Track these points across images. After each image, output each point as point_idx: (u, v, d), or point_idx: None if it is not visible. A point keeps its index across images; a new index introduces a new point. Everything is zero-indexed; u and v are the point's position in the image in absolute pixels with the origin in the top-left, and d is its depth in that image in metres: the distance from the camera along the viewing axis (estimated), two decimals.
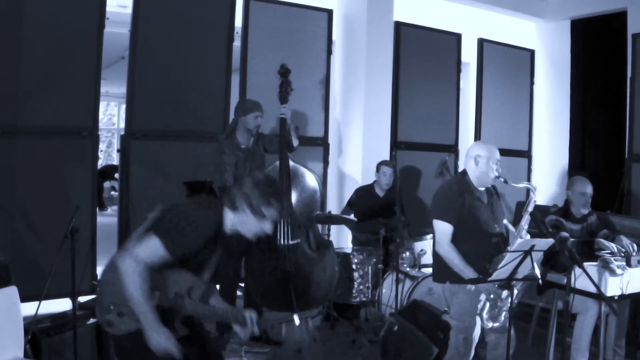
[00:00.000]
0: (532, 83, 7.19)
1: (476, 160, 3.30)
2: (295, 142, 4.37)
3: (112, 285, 2.37)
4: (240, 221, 2.47)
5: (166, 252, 2.32)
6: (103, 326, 2.43)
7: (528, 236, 3.19)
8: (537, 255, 2.98)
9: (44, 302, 3.55)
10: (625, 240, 3.85)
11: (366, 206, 5.14)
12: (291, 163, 4.34)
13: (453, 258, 3.18)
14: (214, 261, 2.56)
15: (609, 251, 3.76)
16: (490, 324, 3.10)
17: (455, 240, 3.22)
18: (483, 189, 3.35)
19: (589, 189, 4.12)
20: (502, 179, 3.26)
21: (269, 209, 2.45)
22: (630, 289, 3.45)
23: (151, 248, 2.31)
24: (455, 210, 3.22)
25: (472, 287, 3.10)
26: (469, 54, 6.76)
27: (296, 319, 2.52)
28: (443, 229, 3.23)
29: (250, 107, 4.26)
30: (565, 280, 3.03)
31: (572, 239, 3.91)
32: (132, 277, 2.28)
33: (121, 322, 2.38)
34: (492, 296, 3.07)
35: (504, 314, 3.11)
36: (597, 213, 4.29)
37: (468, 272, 3.12)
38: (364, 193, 5.26)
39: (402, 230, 4.79)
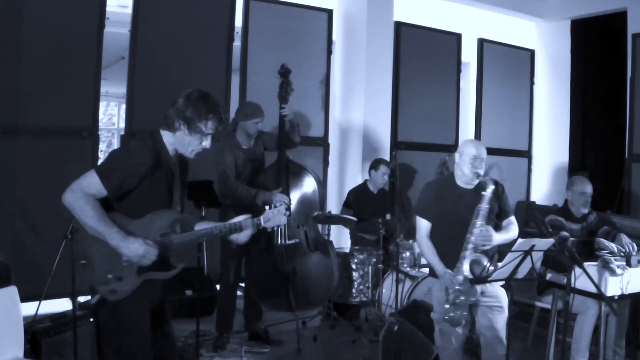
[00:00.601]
0: (532, 83, 7.19)
1: (456, 157, 3.35)
2: (297, 139, 4.39)
3: (98, 255, 2.37)
4: (179, 140, 2.46)
5: (102, 186, 2.32)
6: (108, 298, 2.40)
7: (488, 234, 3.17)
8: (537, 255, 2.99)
9: (43, 302, 3.55)
10: (625, 239, 3.85)
11: (362, 205, 5.17)
12: (290, 163, 4.34)
13: (426, 252, 3.33)
14: (176, 191, 2.55)
15: (608, 251, 3.76)
16: (446, 317, 3.17)
17: (433, 236, 3.33)
18: (470, 186, 3.32)
19: (588, 189, 4.12)
20: (477, 177, 3.23)
21: (206, 123, 2.43)
22: (630, 289, 3.45)
23: (88, 180, 2.32)
24: (431, 206, 3.30)
25: (441, 279, 3.21)
26: (469, 54, 6.77)
27: (267, 209, 2.58)
28: (420, 224, 3.36)
29: (251, 113, 4.22)
30: (565, 280, 3.03)
31: (572, 239, 3.91)
32: (78, 206, 2.30)
33: (124, 284, 2.38)
34: (449, 289, 3.13)
35: (460, 309, 3.16)
36: (597, 212, 4.30)
37: (438, 267, 3.24)
38: (359, 192, 5.28)
39: (401, 229, 4.79)
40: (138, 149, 2.40)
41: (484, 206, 3.15)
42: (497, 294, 3.24)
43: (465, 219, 3.22)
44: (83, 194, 2.30)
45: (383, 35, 5.94)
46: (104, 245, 2.34)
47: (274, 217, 2.56)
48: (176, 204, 2.54)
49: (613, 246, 3.80)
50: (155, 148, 2.44)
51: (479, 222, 3.14)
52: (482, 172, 3.25)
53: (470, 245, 3.11)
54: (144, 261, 2.36)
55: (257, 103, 4.35)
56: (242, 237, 2.55)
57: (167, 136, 2.48)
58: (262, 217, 2.55)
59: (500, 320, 3.22)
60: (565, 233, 3.93)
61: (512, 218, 3.37)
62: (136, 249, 2.33)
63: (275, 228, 4.12)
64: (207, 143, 2.48)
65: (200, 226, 2.56)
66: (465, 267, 3.09)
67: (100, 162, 2.48)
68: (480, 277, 3.03)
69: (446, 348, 3.28)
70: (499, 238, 3.22)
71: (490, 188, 3.17)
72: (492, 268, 2.95)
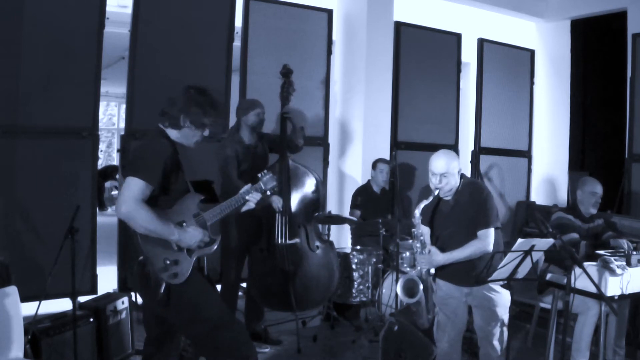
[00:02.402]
0: (532, 83, 7.18)
1: None
2: (301, 142, 4.40)
3: (152, 248, 2.53)
4: (184, 135, 2.69)
5: (147, 184, 2.48)
6: (172, 282, 2.57)
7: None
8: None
9: (43, 302, 3.55)
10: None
11: (367, 205, 5.20)
12: (291, 163, 4.35)
13: None
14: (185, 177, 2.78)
15: (611, 251, 3.77)
16: None
17: (432, 241, 3.34)
18: (448, 197, 3.26)
19: (599, 189, 4.14)
20: (436, 190, 3.19)
21: (207, 117, 2.68)
22: (630, 289, 3.45)
23: (134, 187, 2.47)
24: (427, 216, 3.32)
25: None
26: (469, 54, 6.76)
27: (259, 176, 2.95)
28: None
29: (249, 105, 4.28)
30: (565, 280, 3.03)
31: (583, 242, 3.92)
32: (137, 215, 2.45)
33: (182, 266, 2.59)
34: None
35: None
36: (601, 214, 4.30)
37: None
38: (363, 193, 5.30)
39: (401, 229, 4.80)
40: (162, 144, 2.60)
41: (417, 231, 3.21)
42: (488, 296, 3.21)
43: (440, 229, 3.26)
44: (136, 203, 2.45)
45: (383, 35, 5.93)
46: (153, 238, 2.52)
47: (268, 180, 2.92)
48: (190, 187, 2.76)
49: (624, 243, 3.81)
50: (171, 141, 2.65)
51: (417, 244, 3.20)
52: (441, 185, 3.17)
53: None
54: (200, 244, 2.62)
55: (253, 98, 4.37)
56: (251, 204, 2.87)
57: (172, 133, 2.68)
58: (260, 182, 2.91)
59: (492, 322, 3.20)
60: (575, 235, 3.93)
61: (489, 231, 3.14)
62: (195, 236, 2.60)
63: (277, 227, 4.18)
64: (207, 132, 2.73)
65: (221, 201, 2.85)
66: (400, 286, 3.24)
67: (130, 165, 2.60)
68: (480, 278, 3.04)
69: (440, 340, 3.33)
70: (445, 258, 3.16)
71: (418, 209, 3.18)
72: None
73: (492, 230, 3.16)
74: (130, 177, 2.48)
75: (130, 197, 2.45)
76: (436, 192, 3.19)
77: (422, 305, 3.28)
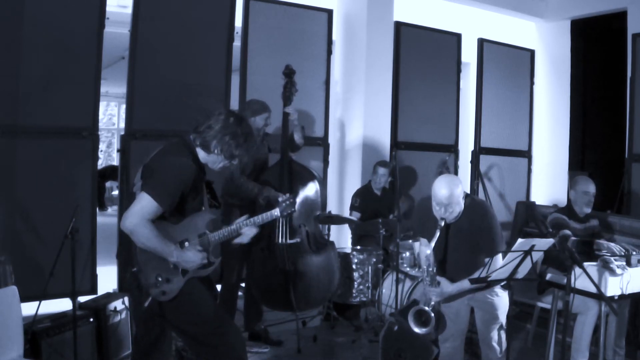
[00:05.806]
0: (532, 83, 7.18)
1: None
2: (300, 141, 4.39)
3: (148, 261, 2.54)
4: (211, 159, 2.68)
5: (159, 207, 2.48)
6: (159, 299, 2.57)
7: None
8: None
9: (43, 302, 3.55)
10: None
11: (366, 205, 5.19)
12: (293, 163, 4.34)
13: None
14: (204, 194, 2.77)
15: (608, 251, 3.76)
16: None
17: None
18: (452, 221, 3.23)
19: (591, 188, 4.13)
20: (441, 220, 3.16)
21: (238, 149, 2.65)
22: (630, 289, 3.45)
23: (145, 205, 2.47)
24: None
25: None
26: (469, 54, 6.76)
27: (279, 200, 2.88)
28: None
29: (259, 109, 4.24)
30: (565, 280, 3.03)
31: (573, 238, 3.91)
32: (140, 231, 2.45)
33: (172, 284, 2.58)
34: None
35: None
36: (597, 213, 4.30)
37: None
38: (363, 193, 5.29)
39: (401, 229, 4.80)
40: (187, 167, 2.56)
41: (426, 267, 3.19)
42: (489, 299, 3.23)
43: (445, 252, 3.26)
44: (142, 220, 2.45)
45: (383, 35, 5.94)
46: (152, 253, 2.52)
47: (287, 207, 2.85)
48: (205, 205, 2.73)
49: (613, 246, 3.80)
50: (197, 164, 2.63)
51: (427, 278, 3.19)
52: (446, 215, 3.13)
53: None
54: (198, 266, 2.59)
55: (262, 100, 4.36)
56: (245, 239, 2.82)
57: (201, 153, 2.67)
58: (278, 208, 2.84)
59: (491, 325, 3.24)
60: (567, 231, 3.93)
61: (496, 258, 3.13)
62: (194, 261, 2.57)
63: (278, 227, 4.18)
64: (235, 162, 2.71)
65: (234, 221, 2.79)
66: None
67: (149, 180, 2.56)
68: (479, 279, 3.04)
69: (443, 340, 3.35)
70: (456, 288, 3.18)
71: (429, 247, 3.11)
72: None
73: (499, 256, 3.15)
74: (146, 193, 2.46)
75: (138, 213, 2.45)
76: (442, 223, 3.14)
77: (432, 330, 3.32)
